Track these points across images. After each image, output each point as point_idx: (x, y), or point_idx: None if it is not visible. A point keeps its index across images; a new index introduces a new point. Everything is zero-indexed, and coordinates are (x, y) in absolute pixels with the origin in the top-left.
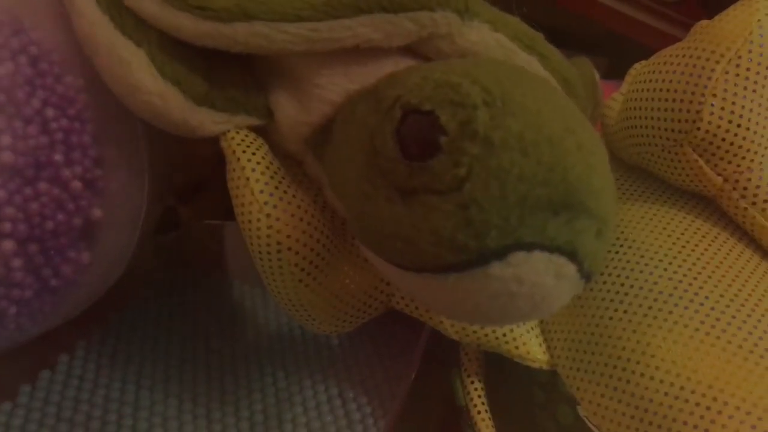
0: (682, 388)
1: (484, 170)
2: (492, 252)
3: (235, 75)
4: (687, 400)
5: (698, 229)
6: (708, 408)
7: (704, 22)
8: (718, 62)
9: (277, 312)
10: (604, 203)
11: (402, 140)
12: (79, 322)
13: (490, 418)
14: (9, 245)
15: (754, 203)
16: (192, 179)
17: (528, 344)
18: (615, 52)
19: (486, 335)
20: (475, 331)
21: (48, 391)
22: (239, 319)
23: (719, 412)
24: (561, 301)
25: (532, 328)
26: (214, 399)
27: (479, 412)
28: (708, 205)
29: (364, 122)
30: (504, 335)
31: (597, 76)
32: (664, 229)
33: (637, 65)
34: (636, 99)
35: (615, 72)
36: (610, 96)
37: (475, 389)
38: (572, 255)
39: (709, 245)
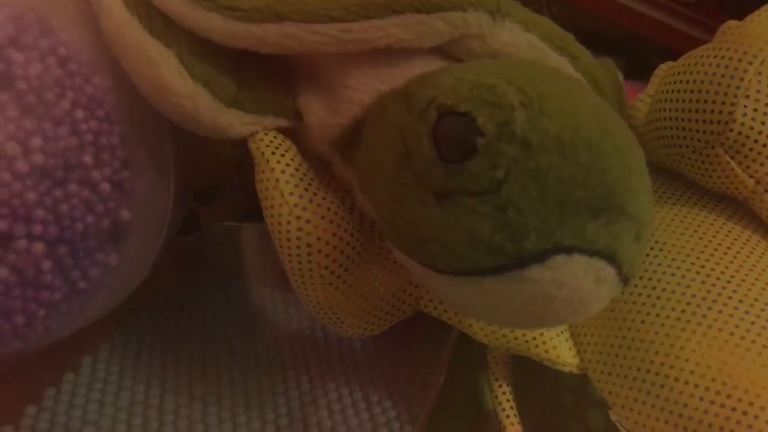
0: (717, 392)
1: (522, 172)
2: (531, 255)
3: (264, 76)
4: (723, 405)
5: (730, 231)
6: (744, 413)
7: (733, 23)
8: (750, 63)
9: (298, 315)
10: (642, 205)
11: (437, 142)
12: (101, 323)
13: (519, 423)
14: (39, 247)
15: None
16: (211, 181)
17: (558, 348)
18: (631, 51)
19: (516, 339)
20: (504, 335)
21: (73, 395)
22: (259, 321)
23: (756, 417)
24: (599, 306)
25: (562, 332)
26: (238, 402)
27: (508, 416)
28: (739, 207)
29: (396, 124)
30: (534, 339)
31: (621, 76)
32: (695, 231)
33: (663, 66)
34: (666, 100)
35: (631, 72)
36: (637, 97)
37: (503, 393)
38: (612, 258)
39: (742, 248)
